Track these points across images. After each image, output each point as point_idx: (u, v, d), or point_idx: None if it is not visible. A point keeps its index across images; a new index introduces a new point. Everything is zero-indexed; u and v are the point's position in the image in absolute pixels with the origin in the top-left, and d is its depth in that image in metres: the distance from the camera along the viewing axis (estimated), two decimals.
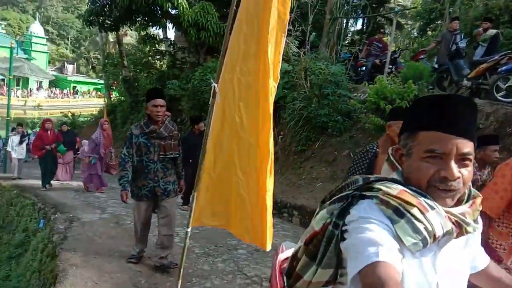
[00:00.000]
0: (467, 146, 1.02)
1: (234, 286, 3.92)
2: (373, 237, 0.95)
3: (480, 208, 1.12)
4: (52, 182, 9.39)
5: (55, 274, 4.02)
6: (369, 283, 0.91)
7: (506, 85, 6.84)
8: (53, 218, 6.16)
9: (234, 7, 2.37)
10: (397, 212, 0.98)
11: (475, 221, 1.08)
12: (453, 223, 1.01)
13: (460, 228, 1.03)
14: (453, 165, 1.00)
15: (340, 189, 1.15)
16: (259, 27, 2.18)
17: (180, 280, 2.47)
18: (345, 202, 1.09)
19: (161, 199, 4.04)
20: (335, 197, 1.14)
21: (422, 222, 0.97)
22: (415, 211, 0.98)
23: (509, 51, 7.70)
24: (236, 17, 2.35)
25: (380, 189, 1.03)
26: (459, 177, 1.01)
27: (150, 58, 17.65)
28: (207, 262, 4.51)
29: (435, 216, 0.99)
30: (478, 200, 1.10)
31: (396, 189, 1.01)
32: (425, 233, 0.96)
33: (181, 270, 2.44)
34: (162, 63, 18.76)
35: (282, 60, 9.22)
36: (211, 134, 2.39)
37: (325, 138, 8.58)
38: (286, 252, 2.39)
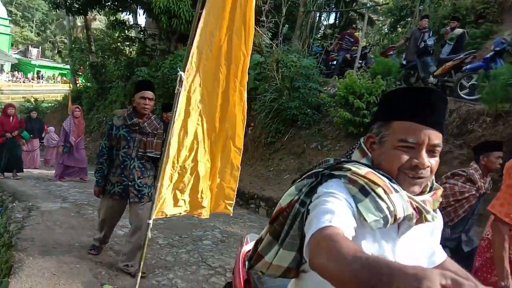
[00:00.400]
0: (438, 138, 1.07)
1: (198, 277, 3.88)
2: (331, 207, 0.97)
3: (441, 200, 1.16)
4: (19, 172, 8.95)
5: (10, 265, 3.84)
6: (315, 243, 0.91)
7: (470, 83, 7.06)
8: (11, 206, 5.89)
9: None
10: (363, 191, 1.02)
11: (435, 211, 1.13)
12: (414, 208, 1.05)
13: (420, 214, 1.07)
14: (424, 154, 1.05)
15: (311, 169, 1.17)
16: (225, 17, 2.19)
17: (140, 273, 2.40)
18: (314, 180, 1.11)
19: (134, 202, 3.71)
20: (305, 175, 1.16)
21: (385, 202, 1.00)
22: (380, 190, 1.01)
23: (474, 50, 7.95)
24: (204, 6, 2.33)
25: (350, 169, 1.06)
26: (428, 166, 1.06)
27: (119, 44, 17.15)
28: (171, 253, 4.44)
29: (398, 199, 1.02)
30: (439, 192, 1.15)
31: (364, 170, 1.06)
32: (387, 212, 1.00)
33: (142, 262, 2.37)
34: (131, 49, 18.27)
35: (255, 51, 9.20)
36: (176, 122, 2.34)
37: (294, 131, 8.62)
38: (251, 244, 2.40)
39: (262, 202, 7.47)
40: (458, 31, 8.08)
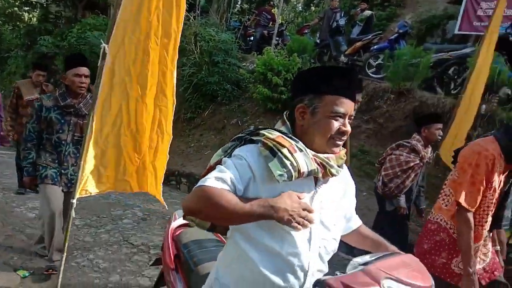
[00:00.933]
0: (354, 109, 1.37)
1: (120, 256, 3.80)
2: (225, 168, 1.25)
3: (345, 158, 1.40)
4: None
5: None
6: (194, 193, 1.23)
7: (376, 62, 7.63)
8: None
9: None
10: (272, 152, 1.24)
11: (340, 166, 1.37)
12: (318, 164, 1.28)
13: (324, 169, 1.30)
14: (347, 122, 1.32)
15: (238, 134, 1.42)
16: None
17: (65, 254, 2.30)
18: (238, 143, 1.37)
19: (65, 192, 3.30)
20: (232, 138, 1.41)
21: (289, 160, 1.22)
22: (285, 150, 1.24)
23: (380, 31, 8.57)
24: None
25: (264, 134, 1.29)
26: (349, 131, 1.33)
27: (16, 8, 15.37)
28: (89, 234, 4.27)
29: (302, 157, 1.25)
30: (342, 152, 1.40)
31: (275, 135, 1.28)
32: (290, 167, 1.22)
33: (66, 244, 2.27)
34: (31, 15, 16.50)
35: None
36: (99, 96, 2.22)
37: (214, 106, 8.61)
38: (179, 220, 2.43)
39: (183, 179, 7.43)
40: (367, 13, 8.64)
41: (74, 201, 2.23)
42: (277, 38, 9.78)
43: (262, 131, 1.31)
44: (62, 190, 3.30)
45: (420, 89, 6.71)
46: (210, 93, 8.39)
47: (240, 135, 1.39)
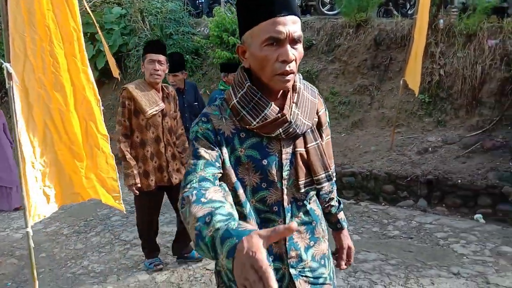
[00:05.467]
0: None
1: (114, 256, 3.81)
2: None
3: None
4: None
5: None
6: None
7: None
8: None
9: None
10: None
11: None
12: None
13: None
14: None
15: None
16: None
17: (37, 282, 2.27)
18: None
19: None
20: None
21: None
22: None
23: None
24: None
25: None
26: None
27: None
28: (80, 240, 4.24)
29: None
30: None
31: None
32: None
33: (34, 272, 2.22)
34: None
35: (114, 3, 8.38)
36: (20, 119, 2.09)
37: None
38: None
39: None
40: None
41: (29, 229, 2.16)
42: None
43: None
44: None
45: (377, 18, 6.59)
46: None
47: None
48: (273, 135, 1.18)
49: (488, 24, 5.52)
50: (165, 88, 3.20)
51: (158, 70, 3.00)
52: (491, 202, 4.27)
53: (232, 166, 1.18)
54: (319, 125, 1.30)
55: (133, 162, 3.02)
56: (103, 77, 8.87)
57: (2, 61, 1.99)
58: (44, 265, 3.73)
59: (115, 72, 5.91)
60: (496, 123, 5.03)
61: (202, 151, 1.14)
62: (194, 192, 1.00)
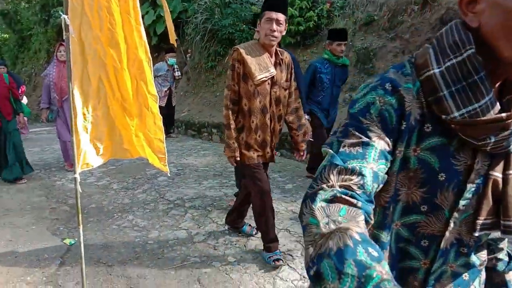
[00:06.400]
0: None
1: (158, 213, 3.95)
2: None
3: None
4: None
5: None
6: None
7: None
8: None
9: None
10: None
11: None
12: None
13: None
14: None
15: None
16: None
17: (81, 226, 2.39)
18: None
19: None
20: None
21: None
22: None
23: None
24: None
25: None
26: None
27: None
28: (127, 196, 4.45)
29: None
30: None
31: None
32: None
33: (80, 216, 2.34)
34: None
35: None
36: (74, 70, 2.16)
37: None
38: None
39: (214, 129, 7.47)
40: None
41: (77, 175, 2.26)
42: None
43: None
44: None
45: None
46: (227, 37, 8.14)
47: None
48: (478, 142, 0.76)
49: None
50: (279, 53, 2.80)
51: (275, 31, 2.57)
52: None
53: (396, 170, 0.82)
54: None
55: (235, 134, 2.78)
56: (161, 42, 9.07)
57: (62, 13, 2.07)
58: (93, 215, 3.96)
59: (172, 38, 5.99)
60: None
61: (375, 135, 0.77)
62: (359, 204, 0.68)
